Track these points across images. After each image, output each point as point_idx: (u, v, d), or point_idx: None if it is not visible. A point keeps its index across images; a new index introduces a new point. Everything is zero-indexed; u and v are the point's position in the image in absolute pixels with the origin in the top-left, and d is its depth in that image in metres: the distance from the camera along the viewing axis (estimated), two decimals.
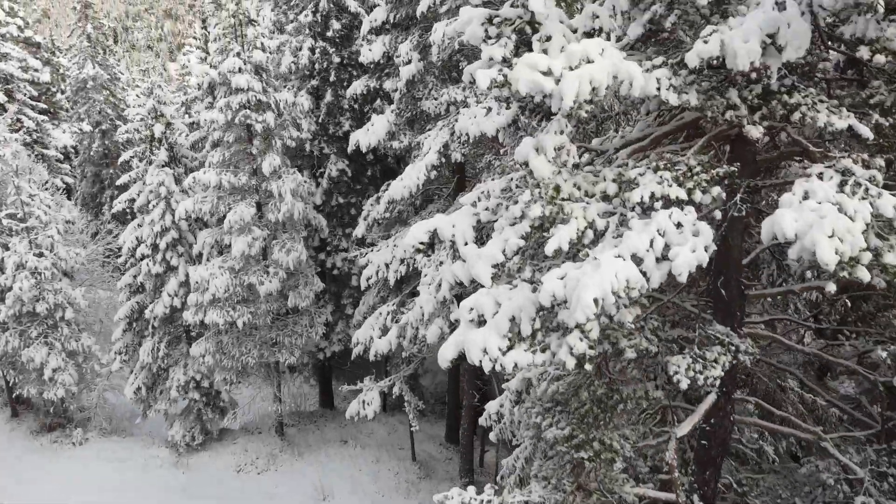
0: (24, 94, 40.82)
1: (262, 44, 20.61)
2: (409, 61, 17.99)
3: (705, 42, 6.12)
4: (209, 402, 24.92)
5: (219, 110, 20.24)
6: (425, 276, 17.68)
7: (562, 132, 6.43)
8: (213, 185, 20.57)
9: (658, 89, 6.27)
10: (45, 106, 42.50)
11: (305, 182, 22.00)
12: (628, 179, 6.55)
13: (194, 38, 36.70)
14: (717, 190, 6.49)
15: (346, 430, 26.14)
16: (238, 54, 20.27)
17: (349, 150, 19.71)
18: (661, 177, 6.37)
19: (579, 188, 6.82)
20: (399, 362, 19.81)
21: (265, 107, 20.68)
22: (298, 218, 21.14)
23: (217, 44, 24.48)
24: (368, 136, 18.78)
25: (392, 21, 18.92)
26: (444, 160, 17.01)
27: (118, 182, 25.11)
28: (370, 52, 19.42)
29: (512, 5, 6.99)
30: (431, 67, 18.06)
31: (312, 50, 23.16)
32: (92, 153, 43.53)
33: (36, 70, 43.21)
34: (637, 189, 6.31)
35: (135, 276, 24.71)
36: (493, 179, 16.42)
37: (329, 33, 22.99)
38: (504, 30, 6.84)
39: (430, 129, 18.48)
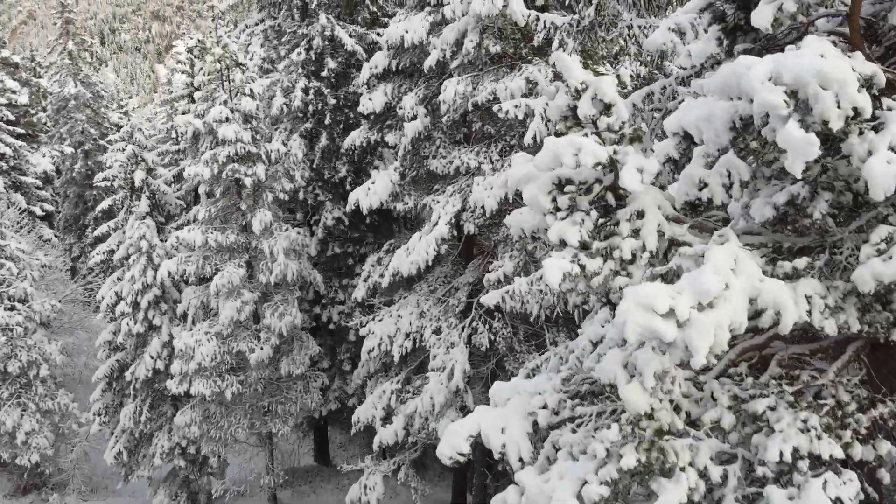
0: (1, 119, 38.76)
1: (250, 90, 18.74)
2: (415, 116, 16.18)
3: (888, 259, 4.39)
4: (196, 466, 23.07)
5: (204, 163, 18.37)
6: (434, 357, 15.95)
7: (664, 352, 4.69)
8: (198, 244, 18.71)
9: (809, 312, 4.57)
10: (22, 130, 40.44)
11: (300, 233, 20.14)
12: (753, 413, 4.85)
13: (180, 62, 34.79)
14: (886, 447, 4.78)
15: (344, 493, 24.25)
16: (224, 102, 18.42)
17: (348, 209, 17.89)
18: (803, 422, 4.68)
19: (678, 409, 5.09)
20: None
21: (255, 158, 18.82)
22: (292, 278, 19.31)
23: (202, 91, 22.59)
24: (369, 197, 16.95)
25: (395, 69, 17.13)
26: (455, 233, 15.26)
27: (95, 233, 23.17)
28: (370, 101, 17.59)
29: (590, 165, 5.19)
30: (439, 123, 16.27)
31: (306, 90, 21.29)
32: (74, 174, 41.50)
33: (14, 91, 41.18)
34: (773, 440, 4.60)
35: (114, 334, 22.79)
36: (510, 258, 14.70)
37: (324, 73, 21.13)
38: (579, 201, 5.08)
39: (437, 190, 16.70)
